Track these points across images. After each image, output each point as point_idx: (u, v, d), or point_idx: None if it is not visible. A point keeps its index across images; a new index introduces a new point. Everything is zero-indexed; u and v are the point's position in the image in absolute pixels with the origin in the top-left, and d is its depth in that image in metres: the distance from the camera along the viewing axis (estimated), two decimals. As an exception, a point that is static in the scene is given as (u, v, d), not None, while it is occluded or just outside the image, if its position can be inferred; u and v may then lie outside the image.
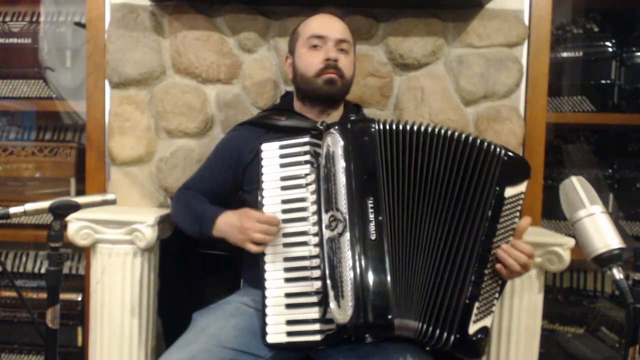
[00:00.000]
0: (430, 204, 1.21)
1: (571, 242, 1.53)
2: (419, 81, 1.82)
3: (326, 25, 1.48)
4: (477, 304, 1.19)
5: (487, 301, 1.22)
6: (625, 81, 2.03)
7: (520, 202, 1.24)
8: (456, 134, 1.24)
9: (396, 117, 1.83)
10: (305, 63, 1.47)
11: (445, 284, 1.19)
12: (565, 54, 2.08)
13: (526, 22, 1.81)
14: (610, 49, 2.04)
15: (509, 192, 1.23)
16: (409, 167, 1.22)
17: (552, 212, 2.01)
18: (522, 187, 1.24)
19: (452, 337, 1.17)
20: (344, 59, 1.46)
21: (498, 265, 1.21)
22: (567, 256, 1.54)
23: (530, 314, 1.58)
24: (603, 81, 2.03)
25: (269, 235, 1.25)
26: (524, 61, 1.82)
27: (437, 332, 1.18)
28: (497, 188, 1.22)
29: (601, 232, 1.01)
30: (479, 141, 1.23)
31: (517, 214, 1.24)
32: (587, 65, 2.06)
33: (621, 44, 2.04)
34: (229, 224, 1.35)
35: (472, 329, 1.19)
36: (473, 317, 1.19)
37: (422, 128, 1.23)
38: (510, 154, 1.24)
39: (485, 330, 1.20)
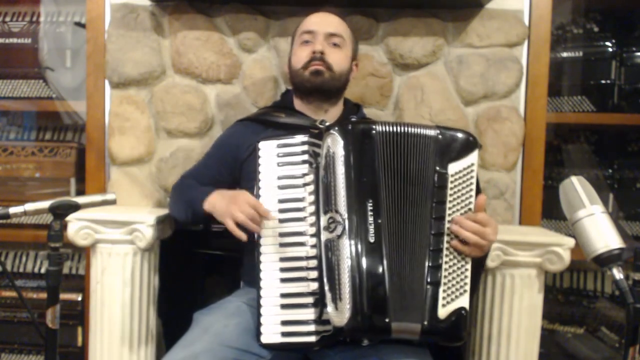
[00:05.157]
0: (411, 203, 1.20)
1: (571, 242, 1.53)
2: (419, 81, 1.82)
3: (318, 21, 1.51)
4: (442, 287, 1.17)
5: (456, 281, 1.19)
6: (625, 81, 2.02)
7: (473, 174, 1.22)
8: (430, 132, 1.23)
9: (396, 117, 1.84)
10: (296, 58, 1.51)
11: (414, 276, 1.17)
12: (565, 54, 2.08)
13: (526, 22, 1.81)
14: (610, 49, 2.03)
15: (454, 168, 1.21)
16: (404, 169, 1.21)
17: (552, 212, 2.00)
18: (470, 159, 1.23)
19: (420, 325, 1.15)
20: (334, 53, 1.48)
21: (454, 242, 1.19)
22: (567, 256, 1.53)
23: (530, 314, 1.57)
24: (603, 81, 2.03)
25: (252, 221, 1.23)
26: (524, 61, 1.82)
27: (411, 325, 1.16)
28: (437, 168, 1.21)
29: (601, 232, 1.00)
30: (425, 131, 1.23)
31: (472, 187, 1.22)
32: (587, 65, 2.06)
33: (621, 44, 2.03)
34: (222, 195, 1.35)
35: (443, 312, 1.16)
36: (441, 301, 1.16)
37: (419, 131, 1.23)
38: (446, 131, 1.23)
39: (461, 311, 1.17)
